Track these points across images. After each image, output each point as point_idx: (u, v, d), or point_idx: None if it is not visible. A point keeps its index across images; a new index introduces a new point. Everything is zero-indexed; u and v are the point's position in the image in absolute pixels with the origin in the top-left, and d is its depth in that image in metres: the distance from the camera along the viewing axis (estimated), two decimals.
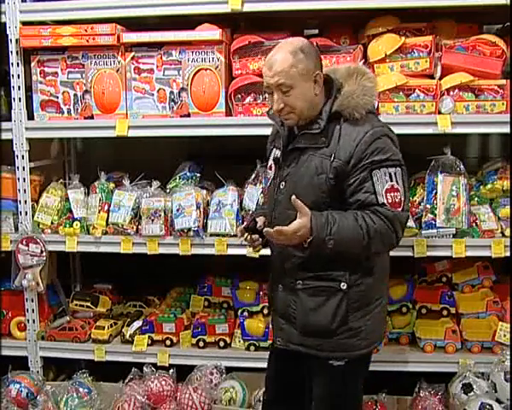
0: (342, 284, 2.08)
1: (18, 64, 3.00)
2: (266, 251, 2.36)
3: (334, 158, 2.03)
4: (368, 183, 2.01)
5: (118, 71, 2.97)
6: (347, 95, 2.06)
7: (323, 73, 2.12)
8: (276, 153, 2.24)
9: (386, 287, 2.25)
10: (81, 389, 3.01)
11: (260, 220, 2.26)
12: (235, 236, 2.93)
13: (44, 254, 3.06)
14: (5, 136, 3.05)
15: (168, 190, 3.11)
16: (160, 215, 2.99)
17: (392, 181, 2.01)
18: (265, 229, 2.03)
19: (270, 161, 2.29)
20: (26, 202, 3.09)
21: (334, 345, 2.13)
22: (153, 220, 2.99)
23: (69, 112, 3.04)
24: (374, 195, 2.00)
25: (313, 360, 2.20)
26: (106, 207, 3.07)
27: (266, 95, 2.12)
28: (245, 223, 2.26)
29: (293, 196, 2.00)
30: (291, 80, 2.01)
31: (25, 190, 3.08)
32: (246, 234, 2.19)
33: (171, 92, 2.93)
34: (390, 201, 2.00)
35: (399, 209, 2.02)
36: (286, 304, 2.20)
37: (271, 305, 2.37)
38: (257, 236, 2.19)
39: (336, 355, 2.13)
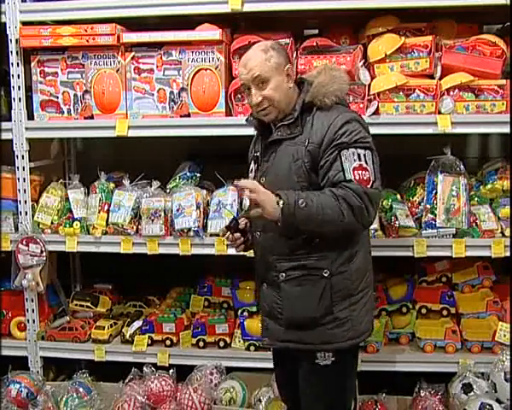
0: (325, 271, 2.12)
1: (18, 64, 3.00)
2: None
3: (308, 143, 2.11)
4: (337, 162, 2.06)
5: (118, 71, 2.97)
6: (317, 85, 2.17)
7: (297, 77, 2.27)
8: (256, 154, 2.31)
9: (371, 279, 2.27)
10: (81, 389, 3.02)
11: (242, 220, 2.31)
12: None
13: (44, 254, 3.06)
14: (5, 136, 3.05)
15: (168, 190, 3.12)
16: (159, 215, 2.99)
17: (360, 161, 2.06)
18: (236, 182, 2.12)
19: (251, 165, 2.34)
20: (26, 202, 3.09)
21: (321, 335, 2.14)
22: (153, 220, 2.99)
23: (69, 112, 3.04)
24: (342, 172, 2.05)
25: (302, 358, 2.21)
26: (106, 207, 3.07)
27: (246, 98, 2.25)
28: (227, 222, 2.32)
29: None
30: (266, 73, 2.12)
31: (25, 190, 3.08)
32: (227, 233, 2.24)
33: (171, 92, 2.93)
34: (357, 178, 2.04)
35: (368, 186, 2.05)
36: (271, 300, 2.22)
37: (259, 307, 2.39)
38: (238, 234, 2.25)
39: (323, 347, 2.15)
